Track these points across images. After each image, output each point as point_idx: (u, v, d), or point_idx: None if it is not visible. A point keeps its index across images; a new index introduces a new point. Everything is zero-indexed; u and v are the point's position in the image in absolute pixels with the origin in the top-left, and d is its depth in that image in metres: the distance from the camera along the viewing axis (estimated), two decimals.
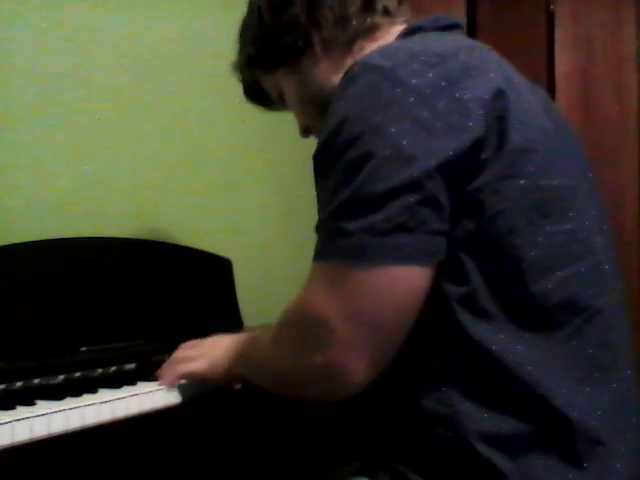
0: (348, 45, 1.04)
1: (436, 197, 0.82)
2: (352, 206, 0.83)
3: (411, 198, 0.81)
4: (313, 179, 0.92)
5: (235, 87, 1.23)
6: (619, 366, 0.91)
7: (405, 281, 0.83)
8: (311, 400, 0.94)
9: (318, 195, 0.90)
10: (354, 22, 1.03)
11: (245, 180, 1.93)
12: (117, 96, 1.60)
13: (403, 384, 0.91)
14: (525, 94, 0.92)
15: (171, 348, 1.16)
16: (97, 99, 1.56)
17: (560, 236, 0.88)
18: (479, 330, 0.85)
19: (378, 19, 1.04)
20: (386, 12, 1.05)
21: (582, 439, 0.84)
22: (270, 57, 1.10)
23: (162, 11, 1.71)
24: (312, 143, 0.98)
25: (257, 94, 1.19)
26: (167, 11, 1.73)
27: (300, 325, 0.89)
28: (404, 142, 0.82)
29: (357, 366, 0.84)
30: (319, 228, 0.88)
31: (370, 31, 1.04)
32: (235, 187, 1.90)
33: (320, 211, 0.88)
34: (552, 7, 2.16)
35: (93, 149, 1.55)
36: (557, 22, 2.15)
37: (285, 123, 1.24)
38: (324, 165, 0.89)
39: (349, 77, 0.88)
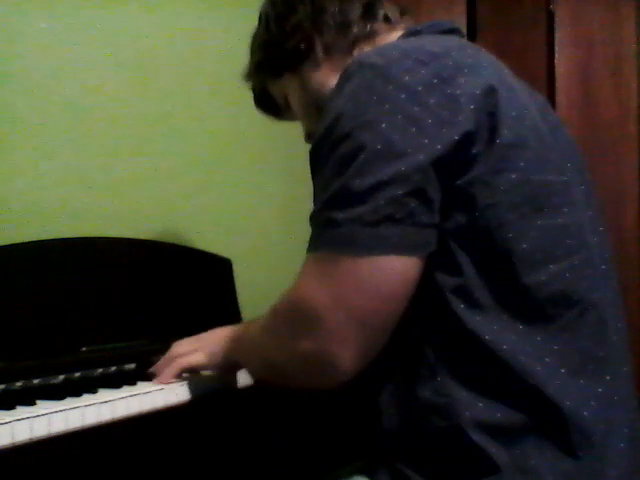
0: (348, 50, 1.07)
1: (424, 190, 0.83)
2: (342, 197, 0.84)
3: (399, 190, 0.82)
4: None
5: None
6: (614, 361, 0.91)
7: (391, 271, 0.84)
8: (300, 388, 0.95)
9: (314, 191, 0.91)
10: (355, 28, 1.07)
11: (245, 180, 1.93)
12: (120, 98, 1.60)
13: (399, 373, 0.92)
14: (519, 93, 0.93)
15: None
16: (100, 101, 1.56)
17: (553, 230, 0.88)
18: (473, 320, 0.85)
19: (378, 26, 1.07)
20: (387, 20, 1.08)
21: (575, 429, 0.84)
22: (275, 62, 1.13)
23: (166, 12, 1.72)
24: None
25: (267, 103, 1.22)
26: (171, 11, 1.73)
27: (290, 312, 0.90)
28: (395, 137, 0.83)
29: (345, 354, 0.84)
30: (312, 219, 0.89)
31: (370, 37, 1.07)
32: (235, 187, 1.90)
33: (314, 204, 0.90)
34: (552, 7, 2.16)
35: (95, 150, 1.55)
36: (557, 22, 2.15)
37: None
38: (319, 161, 0.90)
39: (345, 75, 0.90)
